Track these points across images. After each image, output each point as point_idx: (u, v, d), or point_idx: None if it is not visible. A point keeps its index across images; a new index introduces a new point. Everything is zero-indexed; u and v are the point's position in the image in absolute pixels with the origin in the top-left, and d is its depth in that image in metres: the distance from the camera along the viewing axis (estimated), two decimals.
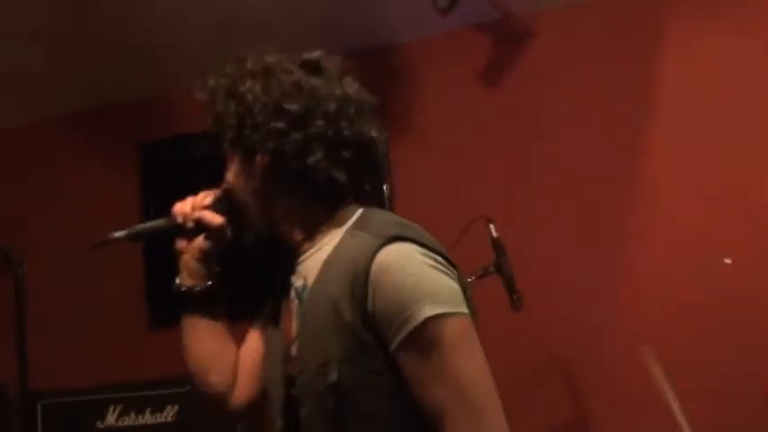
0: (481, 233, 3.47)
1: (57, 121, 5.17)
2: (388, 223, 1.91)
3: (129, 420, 4.15)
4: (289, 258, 2.02)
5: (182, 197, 2.11)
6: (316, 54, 2.05)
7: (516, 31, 4.31)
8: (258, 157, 1.96)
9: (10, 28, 4.26)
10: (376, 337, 1.79)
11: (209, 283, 2.07)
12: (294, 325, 1.95)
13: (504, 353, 4.02)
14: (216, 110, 2.02)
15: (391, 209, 4.43)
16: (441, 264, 1.84)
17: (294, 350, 1.93)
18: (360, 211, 1.98)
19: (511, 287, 3.37)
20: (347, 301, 1.80)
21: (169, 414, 4.12)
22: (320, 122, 1.94)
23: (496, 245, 3.43)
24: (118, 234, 2.05)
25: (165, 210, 4.68)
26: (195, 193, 2.09)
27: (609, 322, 4.06)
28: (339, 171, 1.94)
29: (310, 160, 1.92)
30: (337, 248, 1.91)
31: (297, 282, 1.97)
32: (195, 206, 2.04)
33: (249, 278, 2.16)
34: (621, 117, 4.18)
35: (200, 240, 2.05)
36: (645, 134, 4.15)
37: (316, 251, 1.96)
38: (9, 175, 5.28)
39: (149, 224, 2.10)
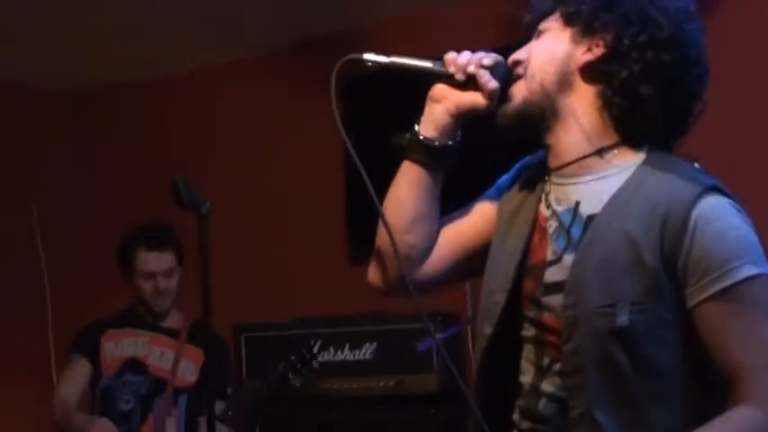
0: None
1: (258, 59, 5.23)
2: (696, 171, 1.81)
3: (329, 355, 4.19)
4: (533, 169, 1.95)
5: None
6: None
7: None
8: (598, 40, 1.83)
9: None
10: (675, 286, 1.72)
11: (450, 143, 1.94)
12: (551, 248, 1.85)
13: None
14: None
15: None
16: (749, 221, 1.78)
17: (551, 275, 1.82)
18: (646, 149, 1.84)
19: None
20: (652, 242, 1.72)
21: (367, 351, 4.14)
22: (678, 61, 1.81)
23: None
24: (375, 57, 1.92)
25: (368, 143, 4.68)
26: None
27: None
28: (666, 106, 1.81)
29: (651, 84, 1.79)
30: (632, 182, 1.78)
31: (559, 203, 1.86)
32: (472, 62, 1.89)
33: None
34: None
35: (464, 95, 1.91)
36: None
37: (597, 178, 1.83)
38: (209, 113, 5.40)
39: (414, 60, 1.94)
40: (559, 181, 1.87)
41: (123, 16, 4.69)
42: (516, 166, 2.03)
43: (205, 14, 4.73)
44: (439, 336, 2.74)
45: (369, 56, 1.92)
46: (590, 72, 1.84)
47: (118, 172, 5.61)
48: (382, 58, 1.92)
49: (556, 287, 1.81)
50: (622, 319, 1.70)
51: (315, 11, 4.77)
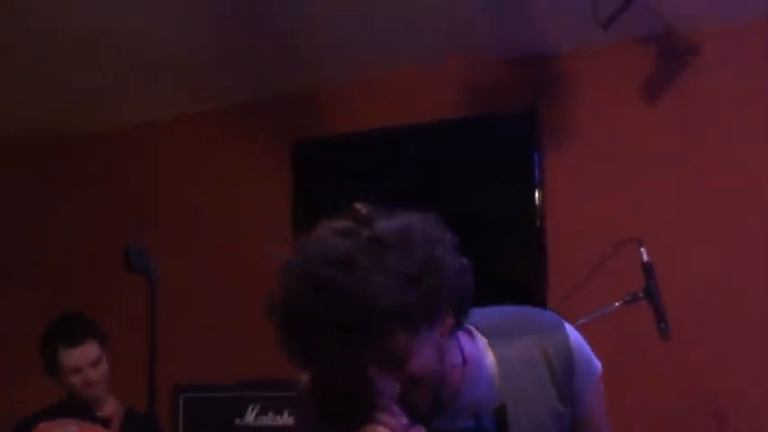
0: (632, 256, 3.37)
1: (208, 115, 5.26)
2: (527, 313, 1.94)
3: (267, 420, 4.18)
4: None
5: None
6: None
7: (679, 46, 4.16)
8: (444, 319, 1.71)
9: (171, 25, 4.34)
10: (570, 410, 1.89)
11: None
12: None
13: (651, 381, 3.95)
14: (389, 302, 1.59)
15: (541, 224, 4.36)
16: None
17: None
18: (468, 326, 1.87)
19: (659, 315, 3.27)
20: (556, 395, 1.86)
21: None
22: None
23: (647, 270, 3.32)
24: None
25: (315, 209, 4.72)
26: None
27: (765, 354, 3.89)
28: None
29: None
30: (501, 366, 1.85)
31: (456, 420, 1.82)
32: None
33: None
34: None
35: None
36: None
37: (473, 383, 1.82)
38: (153, 167, 5.41)
39: None
40: (447, 405, 1.80)
41: (77, 66, 4.72)
42: None
43: (162, 67, 4.77)
44: None
45: None
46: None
47: (61, 224, 5.60)
48: None
49: None
50: None
51: (267, 72, 4.82)
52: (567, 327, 1.90)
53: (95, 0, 4.13)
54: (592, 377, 1.90)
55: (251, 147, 5.11)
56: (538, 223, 4.38)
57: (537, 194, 4.41)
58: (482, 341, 1.87)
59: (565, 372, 1.86)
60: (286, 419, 4.17)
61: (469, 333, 1.87)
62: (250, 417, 4.21)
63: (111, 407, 3.96)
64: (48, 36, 4.40)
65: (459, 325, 1.77)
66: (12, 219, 5.64)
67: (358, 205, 1.70)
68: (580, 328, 1.93)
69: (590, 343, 1.91)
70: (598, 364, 1.91)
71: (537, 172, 4.42)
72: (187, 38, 4.47)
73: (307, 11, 4.22)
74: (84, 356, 3.85)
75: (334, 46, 4.51)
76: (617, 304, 3.26)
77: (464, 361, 1.81)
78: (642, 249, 3.35)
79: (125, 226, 5.13)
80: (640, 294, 3.30)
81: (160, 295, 3.39)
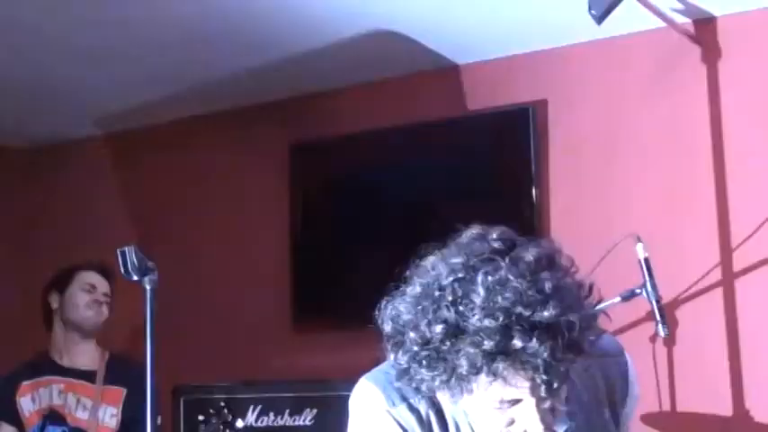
0: (630, 253, 3.37)
1: (207, 117, 5.26)
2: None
3: (268, 420, 4.18)
4: None
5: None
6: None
7: (679, 40, 4.15)
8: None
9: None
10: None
11: None
12: None
13: (649, 380, 3.94)
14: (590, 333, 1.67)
15: (540, 223, 4.36)
16: None
17: None
18: None
19: (657, 311, 3.27)
20: (610, 415, 1.92)
21: (307, 417, 4.13)
22: None
23: (645, 266, 3.33)
24: None
25: (314, 211, 4.66)
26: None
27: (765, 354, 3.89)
28: None
29: None
30: (568, 390, 1.81)
31: None
32: None
33: None
34: None
35: None
36: None
37: None
38: (164, 170, 5.41)
39: None
40: None
41: (77, 68, 4.72)
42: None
43: (161, 69, 4.78)
44: None
45: None
46: None
47: (60, 225, 5.61)
48: None
49: None
50: None
51: (266, 75, 4.82)
52: (626, 353, 1.96)
53: (96, 2, 4.12)
54: (636, 401, 1.99)
55: (250, 148, 5.11)
56: (536, 222, 4.37)
57: (535, 193, 4.41)
58: None
59: (621, 396, 1.94)
60: (287, 420, 4.17)
61: None
62: (251, 417, 4.21)
63: (93, 357, 4.00)
64: (47, 38, 4.40)
65: None
66: (12, 219, 5.65)
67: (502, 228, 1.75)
68: None
69: None
70: (639, 390, 1.99)
71: (536, 171, 4.42)
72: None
73: (306, 13, 4.21)
74: (102, 284, 4.00)
75: (332, 48, 4.50)
76: (615, 301, 3.27)
77: None
78: (640, 245, 3.35)
79: (125, 227, 5.14)
80: (638, 290, 3.31)
81: (160, 296, 3.39)
